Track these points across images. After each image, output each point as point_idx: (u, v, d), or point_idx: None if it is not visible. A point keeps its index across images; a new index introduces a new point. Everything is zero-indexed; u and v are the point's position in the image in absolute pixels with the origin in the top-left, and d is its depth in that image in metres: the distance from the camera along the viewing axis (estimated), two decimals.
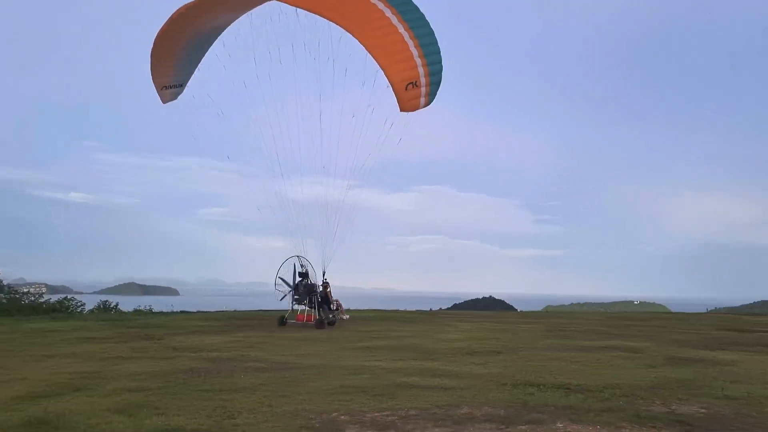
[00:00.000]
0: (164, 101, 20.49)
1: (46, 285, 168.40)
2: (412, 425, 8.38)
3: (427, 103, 12.68)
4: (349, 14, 11.10)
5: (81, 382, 11.49)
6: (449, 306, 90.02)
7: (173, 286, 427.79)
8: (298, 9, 12.24)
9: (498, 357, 15.78)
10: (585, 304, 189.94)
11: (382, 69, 11.65)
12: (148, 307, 35.94)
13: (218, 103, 20.37)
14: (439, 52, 12.06)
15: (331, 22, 11.39)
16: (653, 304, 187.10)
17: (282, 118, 19.38)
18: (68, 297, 36.62)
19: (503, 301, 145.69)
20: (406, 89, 11.66)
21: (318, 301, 24.56)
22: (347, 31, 11.38)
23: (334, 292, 25.78)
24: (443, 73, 12.68)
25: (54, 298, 37.17)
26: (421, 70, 11.73)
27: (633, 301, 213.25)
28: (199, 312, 33.67)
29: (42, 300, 35.36)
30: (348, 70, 14.25)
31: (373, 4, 11.24)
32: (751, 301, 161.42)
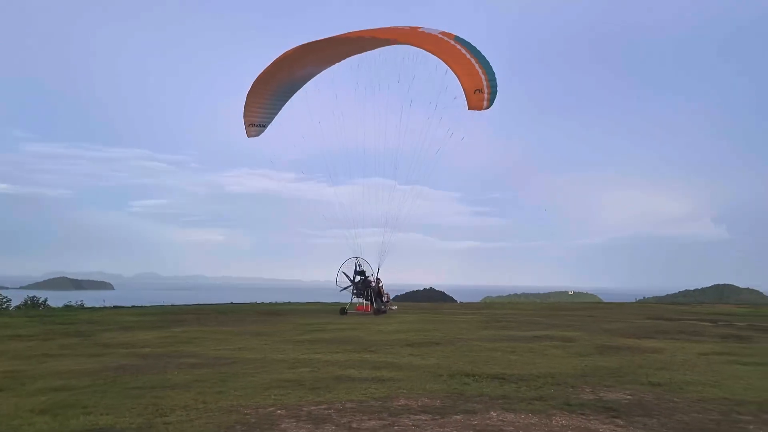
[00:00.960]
0: (248, 136, 22.79)
1: None
2: (349, 418, 8.39)
3: (488, 106, 18.02)
4: (444, 52, 18.16)
5: (4, 381, 10.97)
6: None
7: (107, 281, 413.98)
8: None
9: (436, 348, 15.99)
10: (522, 294, 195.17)
11: (459, 81, 17.74)
12: (79, 303, 34.88)
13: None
14: (494, 74, 18.08)
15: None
16: (586, 294, 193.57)
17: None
18: None
19: (443, 292, 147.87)
20: (474, 93, 17.56)
21: (372, 294, 29.26)
22: (442, 60, 17.92)
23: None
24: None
25: None
26: (484, 83, 17.72)
27: (567, 292, 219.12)
28: (133, 307, 32.68)
29: None
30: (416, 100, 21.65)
31: (454, 46, 18.41)
32: (676, 291, 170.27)
